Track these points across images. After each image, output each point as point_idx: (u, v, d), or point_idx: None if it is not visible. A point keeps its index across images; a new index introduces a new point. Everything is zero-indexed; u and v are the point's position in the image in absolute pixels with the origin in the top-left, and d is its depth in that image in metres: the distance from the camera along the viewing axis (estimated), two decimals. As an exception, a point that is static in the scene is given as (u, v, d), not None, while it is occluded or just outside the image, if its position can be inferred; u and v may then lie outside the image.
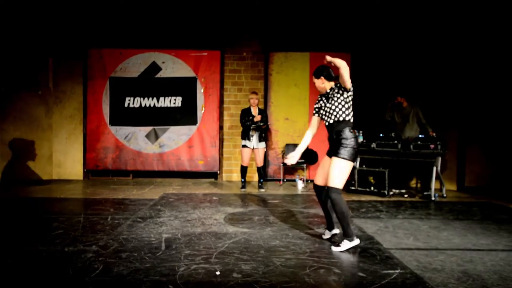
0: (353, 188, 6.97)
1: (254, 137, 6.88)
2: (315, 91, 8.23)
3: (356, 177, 6.97)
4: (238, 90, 8.26)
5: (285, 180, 8.05)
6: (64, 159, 8.17)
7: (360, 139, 7.06)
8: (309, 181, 8.08)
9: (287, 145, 8.12)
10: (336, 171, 3.64)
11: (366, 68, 8.04)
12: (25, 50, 7.75)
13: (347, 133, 3.70)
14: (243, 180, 7.11)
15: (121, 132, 8.20)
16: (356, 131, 3.82)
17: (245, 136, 6.91)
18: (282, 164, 7.96)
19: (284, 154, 8.09)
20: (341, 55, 8.16)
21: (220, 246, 3.72)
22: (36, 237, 3.96)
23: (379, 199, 6.39)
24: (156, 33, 8.14)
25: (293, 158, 3.79)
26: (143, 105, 8.22)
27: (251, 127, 6.82)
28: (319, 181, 3.91)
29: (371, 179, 6.75)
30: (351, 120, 3.78)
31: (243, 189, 7.02)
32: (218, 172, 8.24)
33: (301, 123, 8.26)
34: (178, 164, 8.17)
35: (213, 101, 8.22)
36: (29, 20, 7.59)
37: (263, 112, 7.08)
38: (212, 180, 8.19)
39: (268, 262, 3.31)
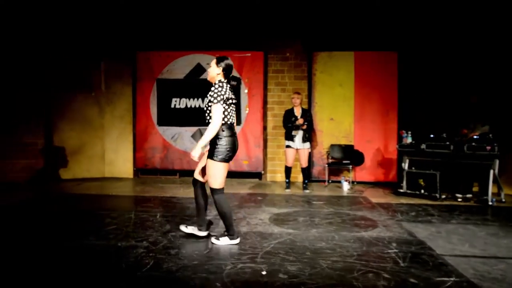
0: (401, 190, 6.72)
1: (297, 138, 6.82)
2: (361, 91, 8.06)
3: (404, 179, 6.72)
4: (281, 90, 8.23)
5: (330, 181, 7.92)
6: (115, 157, 8.54)
7: (409, 140, 6.80)
8: (355, 183, 7.89)
9: (331, 145, 7.99)
10: (211, 172, 3.60)
11: (414, 67, 7.74)
12: (80, 54, 8.16)
13: (220, 132, 3.57)
14: (287, 180, 7.07)
15: (168, 132, 8.43)
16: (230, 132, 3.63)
17: (289, 136, 6.87)
18: (327, 165, 7.84)
19: (329, 154, 7.96)
20: (388, 54, 7.99)
21: (265, 246, 3.72)
22: (92, 231, 4.15)
23: (430, 202, 6.11)
24: (201, 35, 8.29)
25: (195, 156, 3.54)
26: (188, 106, 8.41)
27: (293, 129, 6.79)
28: (196, 174, 3.84)
29: (421, 182, 6.47)
30: (228, 121, 3.62)
31: (287, 190, 6.98)
32: (262, 172, 8.26)
33: (346, 123, 8.09)
34: (222, 164, 8.27)
35: (257, 101, 8.25)
36: (82, 26, 7.98)
37: (306, 112, 7.00)
38: (256, 180, 8.21)
39: (315, 264, 3.27)
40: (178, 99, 8.43)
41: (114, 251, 3.54)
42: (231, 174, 8.31)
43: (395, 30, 7.81)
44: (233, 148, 3.62)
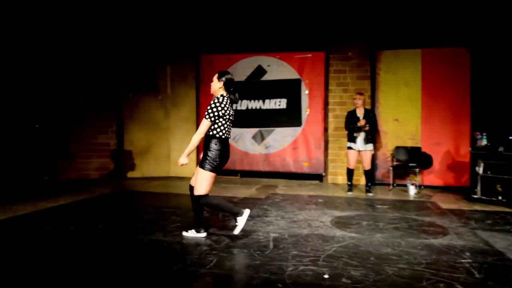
0: (475, 196, 6.25)
1: (359, 139, 6.62)
2: (428, 92, 7.64)
3: (479, 184, 6.24)
4: (343, 91, 8.04)
5: (395, 184, 7.59)
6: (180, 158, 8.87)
7: (484, 142, 6.30)
8: (422, 187, 7.48)
9: (396, 147, 7.64)
10: (199, 179, 3.84)
11: (489, 63, 7.16)
12: (147, 59, 8.64)
13: (212, 145, 3.86)
14: (349, 183, 6.89)
15: (229, 134, 8.60)
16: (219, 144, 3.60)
17: (351, 138, 6.69)
18: (391, 168, 7.52)
19: (394, 157, 7.63)
20: (459, 50, 7.48)
21: (327, 249, 3.65)
22: (158, 228, 4.36)
23: (509, 210, 5.61)
24: (262, 37, 8.36)
25: (181, 162, 3.96)
26: (249, 108, 8.52)
27: (355, 130, 6.60)
28: (192, 182, 4.07)
29: (499, 187, 5.97)
30: (217, 135, 3.87)
31: (349, 192, 6.81)
32: (323, 174, 8.13)
33: (412, 125, 7.70)
34: (283, 165, 8.28)
35: (318, 102, 8.14)
36: (150, 31, 8.43)
37: (369, 113, 6.78)
38: (317, 182, 8.10)
39: (380, 270, 3.14)
40: (239, 101, 8.56)
41: (179, 247, 3.67)
42: (291, 175, 8.32)
43: (466, 24, 7.27)
44: (221, 161, 3.89)
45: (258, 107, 8.46)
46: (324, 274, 3.02)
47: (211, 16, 8.33)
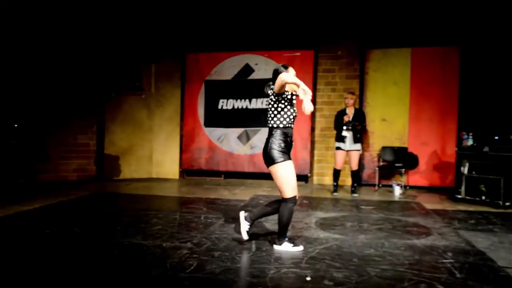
0: (459, 196, 6.28)
1: (348, 139, 6.59)
2: (417, 91, 7.66)
3: (463, 184, 6.27)
4: (331, 90, 8.02)
5: (380, 185, 7.59)
6: (162, 159, 8.76)
7: (470, 142, 6.33)
8: (408, 187, 7.50)
9: (383, 147, 7.65)
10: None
11: (478, 63, 7.21)
12: (131, 57, 8.47)
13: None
14: (335, 184, 6.86)
15: (214, 134, 8.52)
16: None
17: (339, 138, 6.65)
18: (377, 168, 7.52)
19: (380, 157, 7.63)
20: (449, 50, 7.51)
21: (310, 251, 3.60)
22: (138, 231, 4.25)
23: (492, 210, 5.64)
24: (250, 35, 8.29)
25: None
26: (235, 107, 8.44)
27: (343, 128, 6.56)
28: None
29: (482, 187, 6.00)
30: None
31: (335, 193, 6.78)
32: (309, 175, 8.09)
33: (399, 124, 7.71)
34: (268, 165, 8.21)
35: (305, 102, 8.08)
36: (134, 28, 8.28)
37: (359, 112, 6.77)
38: (303, 183, 8.06)
39: (362, 271, 3.11)
40: (225, 100, 8.49)
41: (159, 251, 3.58)
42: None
43: (457, 23, 7.31)
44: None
45: (244, 107, 8.39)
46: (307, 276, 2.98)
47: (198, 13, 8.24)
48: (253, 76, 8.39)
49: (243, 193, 6.88)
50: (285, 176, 3.49)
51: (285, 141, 3.53)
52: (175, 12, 8.25)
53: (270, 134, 3.58)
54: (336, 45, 7.98)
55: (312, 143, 8.06)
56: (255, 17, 8.13)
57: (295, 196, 3.54)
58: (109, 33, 8.15)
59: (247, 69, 8.41)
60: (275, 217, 4.94)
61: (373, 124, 7.81)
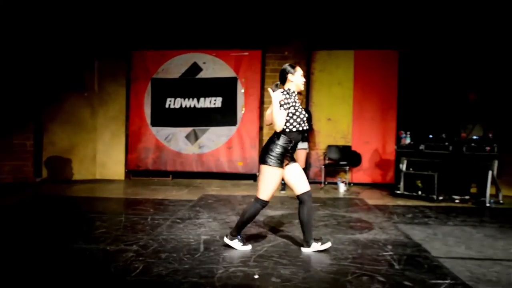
0: (398, 192, 6.65)
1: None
2: (360, 90, 7.99)
3: (402, 180, 6.64)
4: (278, 90, 8.13)
5: (326, 182, 7.84)
6: (107, 159, 8.41)
7: (407, 141, 6.73)
8: (352, 184, 7.82)
9: (329, 146, 7.91)
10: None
11: (415, 66, 7.69)
12: (72, 53, 8.02)
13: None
14: (283, 182, 6.97)
15: (161, 133, 8.33)
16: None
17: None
18: (323, 166, 7.75)
19: (326, 155, 7.88)
20: (388, 53, 7.91)
21: (259, 249, 3.64)
22: (81, 235, 4.06)
23: (427, 204, 6.04)
24: (198, 33, 8.20)
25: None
26: (183, 106, 8.31)
27: None
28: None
29: (419, 183, 6.40)
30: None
31: (282, 192, 6.90)
32: (258, 174, 8.16)
33: (344, 123, 8.01)
34: (217, 165, 8.19)
35: (254, 101, 8.16)
36: (75, 23, 7.85)
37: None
38: (251, 182, 8.12)
39: (308, 267, 3.20)
40: (172, 99, 8.33)
41: (103, 255, 3.44)
42: (225, 176, 8.27)
43: (396, 28, 7.75)
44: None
45: (192, 106, 8.28)
46: (254, 274, 3.00)
47: (145, 10, 8.01)
48: (201, 75, 8.30)
49: (191, 193, 6.79)
50: (269, 180, 3.52)
51: (285, 148, 3.55)
52: (121, 8, 7.96)
53: (275, 137, 3.60)
54: (283, 46, 8.12)
55: (261, 141, 8.14)
56: (203, 15, 8.05)
57: (267, 201, 3.58)
58: (47, 27, 7.67)
59: (195, 68, 8.31)
60: (228, 217, 4.96)
61: (319, 123, 8.05)
